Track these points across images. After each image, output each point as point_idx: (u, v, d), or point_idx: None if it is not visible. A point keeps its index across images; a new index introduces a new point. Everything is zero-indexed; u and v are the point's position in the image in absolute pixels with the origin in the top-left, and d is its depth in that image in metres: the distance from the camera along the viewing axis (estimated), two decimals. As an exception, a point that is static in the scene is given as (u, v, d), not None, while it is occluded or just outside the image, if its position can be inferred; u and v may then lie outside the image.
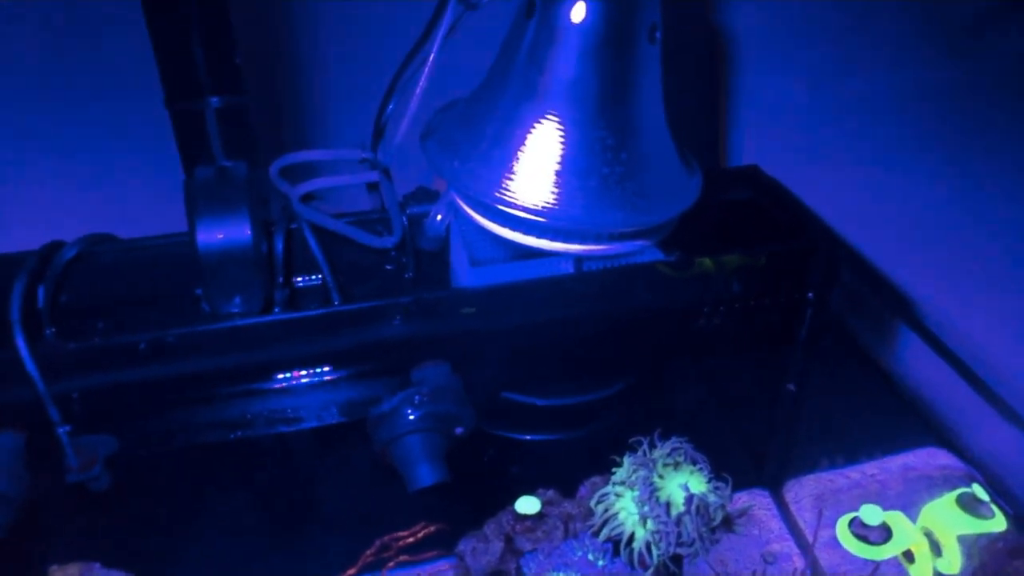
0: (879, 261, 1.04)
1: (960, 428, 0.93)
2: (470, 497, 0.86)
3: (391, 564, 0.77)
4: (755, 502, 0.95)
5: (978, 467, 0.88)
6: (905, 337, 1.01)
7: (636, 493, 0.71)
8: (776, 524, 0.95)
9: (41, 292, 0.87)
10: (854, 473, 0.96)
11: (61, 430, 0.77)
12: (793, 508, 0.95)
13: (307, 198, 0.92)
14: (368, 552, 0.77)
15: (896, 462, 0.94)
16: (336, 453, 0.92)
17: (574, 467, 0.84)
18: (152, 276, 0.94)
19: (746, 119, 1.24)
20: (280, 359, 0.86)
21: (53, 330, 0.88)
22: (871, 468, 0.96)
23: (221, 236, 0.85)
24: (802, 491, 0.96)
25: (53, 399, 0.78)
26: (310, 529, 0.84)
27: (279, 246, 0.91)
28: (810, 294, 1.01)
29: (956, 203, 0.97)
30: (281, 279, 0.91)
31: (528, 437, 0.96)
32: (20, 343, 0.75)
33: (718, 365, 1.05)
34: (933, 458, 0.93)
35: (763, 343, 1.06)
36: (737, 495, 0.96)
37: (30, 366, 0.74)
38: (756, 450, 0.99)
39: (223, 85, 0.86)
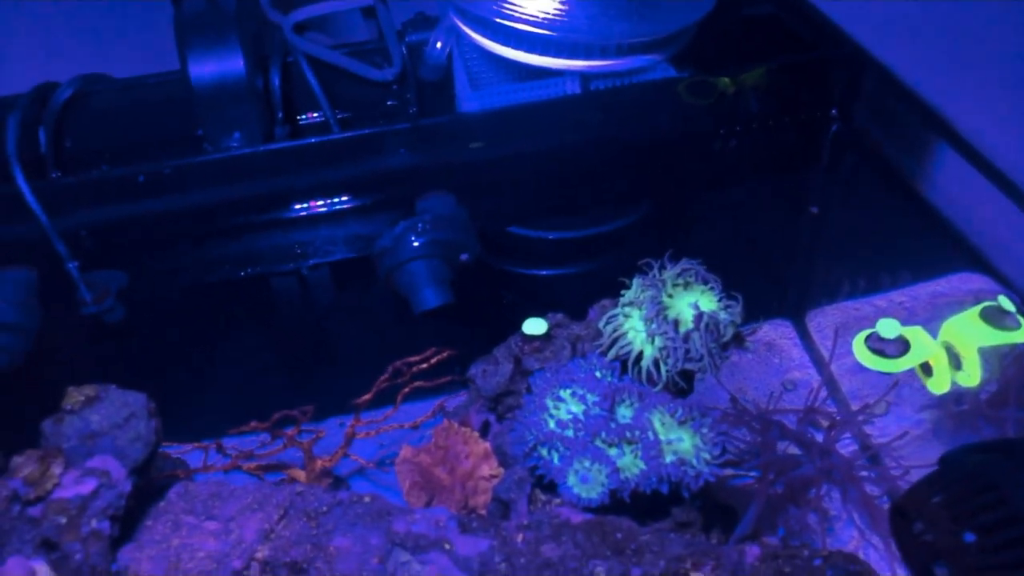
0: (910, 77, 0.97)
1: (995, 249, 0.88)
2: (481, 328, 0.85)
3: (406, 390, 0.77)
4: (776, 332, 0.93)
5: (1015, 290, 0.83)
6: (938, 154, 0.94)
7: (644, 312, 0.69)
8: (797, 353, 0.93)
9: (42, 135, 0.86)
10: (881, 301, 0.92)
11: (70, 265, 0.78)
12: (816, 337, 0.93)
13: (301, 28, 0.88)
14: (382, 378, 0.77)
15: (926, 289, 0.90)
16: (347, 288, 0.92)
17: (585, 297, 0.83)
18: (155, 118, 0.93)
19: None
20: (279, 192, 0.85)
21: (58, 174, 0.88)
22: (899, 296, 0.92)
23: (213, 68, 0.83)
24: (825, 320, 0.94)
25: (61, 236, 0.78)
26: (323, 360, 0.85)
27: (275, 80, 0.88)
28: (833, 110, 0.95)
29: (994, 18, 0.88)
30: (281, 115, 0.89)
31: (541, 272, 0.94)
32: (18, 176, 0.75)
33: (737, 192, 1.00)
34: (966, 283, 0.89)
35: (784, 166, 1.00)
36: (757, 325, 0.94)
37: (30, 199, 0.74)
38: (778, 279, 0.96)
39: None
